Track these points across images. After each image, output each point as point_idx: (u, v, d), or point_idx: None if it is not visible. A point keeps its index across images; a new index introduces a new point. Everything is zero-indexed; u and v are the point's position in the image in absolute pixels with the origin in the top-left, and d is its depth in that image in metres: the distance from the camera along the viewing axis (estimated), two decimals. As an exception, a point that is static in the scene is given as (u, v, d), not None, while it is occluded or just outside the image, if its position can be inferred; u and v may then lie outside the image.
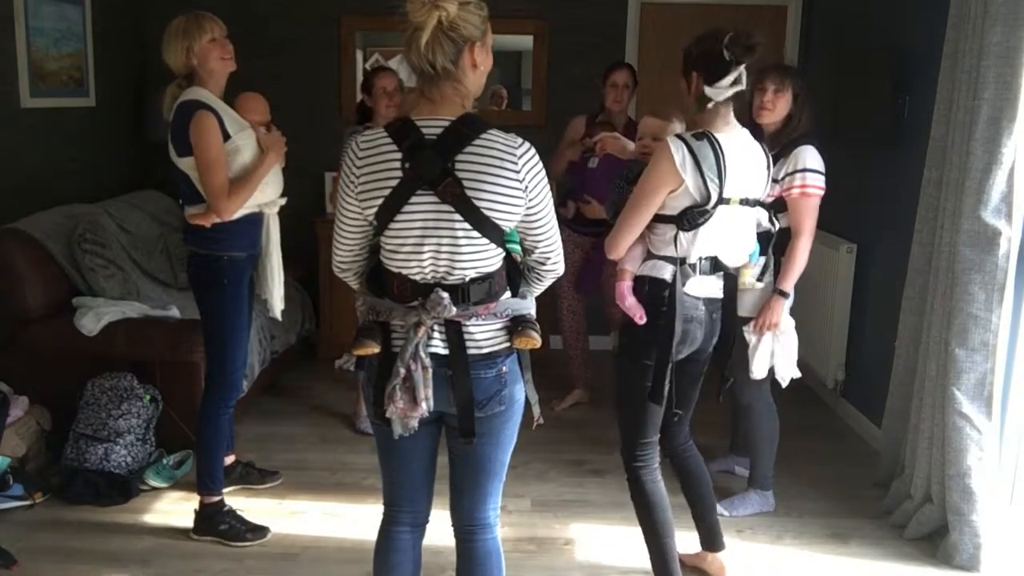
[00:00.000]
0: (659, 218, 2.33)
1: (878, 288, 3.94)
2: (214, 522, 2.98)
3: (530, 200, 1.83)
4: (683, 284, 2.33)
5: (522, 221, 1.86)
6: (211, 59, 2.75)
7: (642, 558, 2.88)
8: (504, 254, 1.90)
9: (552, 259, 1.97)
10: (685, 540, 2.81)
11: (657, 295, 2.36)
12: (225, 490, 3.08)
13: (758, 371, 2.97)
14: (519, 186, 1.79)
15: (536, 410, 2.04)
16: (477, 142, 1.77)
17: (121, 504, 3.20)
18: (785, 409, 3.30)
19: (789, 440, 3.35)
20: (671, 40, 4.95)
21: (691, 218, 2.28)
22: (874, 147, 3.95)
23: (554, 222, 1.92)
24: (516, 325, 1.91)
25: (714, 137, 2.26)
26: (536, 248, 1.94)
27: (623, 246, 2.38)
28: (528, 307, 1.95)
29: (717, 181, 2.23)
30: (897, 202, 3.69)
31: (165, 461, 3.44)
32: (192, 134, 2.68)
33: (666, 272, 2.35)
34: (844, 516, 3.27)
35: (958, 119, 2.93)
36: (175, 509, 3.18)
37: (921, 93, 3.51)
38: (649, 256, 2.41)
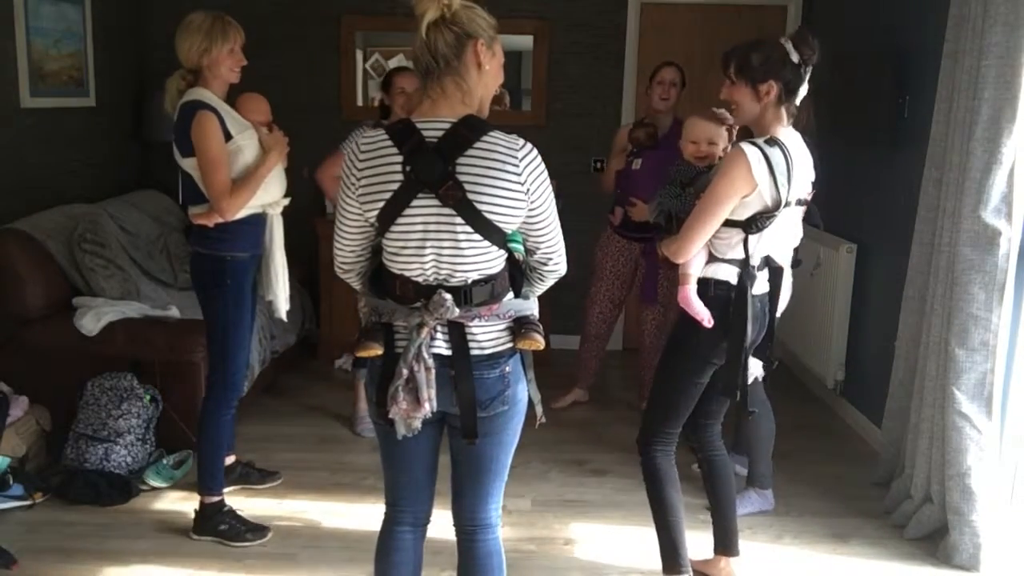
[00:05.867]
0: (726, 223, 2.34)
1: (878, 288, 3.94)
2: (214, 522, 2.97)
3: (532, 202, 1.82)
4: (751, 287, 2.37)
5: (524, 222, 1.86)
6: (222, 67, 2.76)
7: (642, 558, 2.89)
8: (506, 255, 1.90)
9: (554, 260, 1.96)
10: (696, 545, 2.82)
11: (723, 296, 2.39)
12: (225, 490, 3.08)
13: None
14: (521, 188, 1.79)
15: (539, 409, 2.04)
16: (478, 144, 1.77)
17: (121, 504, 3.19)
18: (784, 409, 3.30)
19: (789, 440, 3.36)
20: (671, 40, 4.98)
21: (760, 223, 2.30)
22: (874, 147, 3.95)
23: (556, 223, 1.92)
24: (519, 327, 1.91)
25: (783, 144, 2.29)
26: (538, 249, 1.93)
27: (691, 251, 2.38)
28: (531, 308, 1.95)
29: (787, 187, 2.27)
30: (897, 202, 3.69)
31: (165, 461, 3.43)
32: (193, 134, 2.69)
33: (731, 275, 2.38)
34: (844, 516, 3.27)
35: (958, 119, 2.93)
36: (175, 509, 3.18)
37: (921, 93, 3.51)
38: (711, 259, 2.42)
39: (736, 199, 2.28)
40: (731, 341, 2.40)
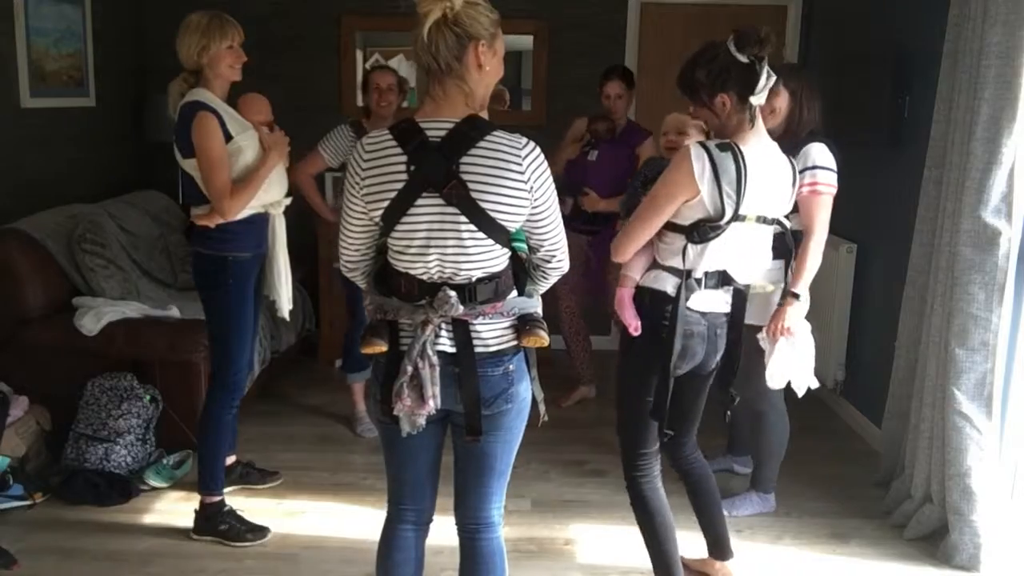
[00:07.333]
0: (670, 226, 2.26)
1: (878, 288, 3.94)
2: (214, 522, 2.97)
3: (535, 200, 1.83)
4: (687, 299, 2.26)
5: (527, 220, 1.86)
6: (222, 65, 2.77)
7: (642, 558, 2.88)
8: (510, 253, 1.90)
9: (557, 257, 1.97)
10: (691, 543, 2.81)
11: (658, 308, 2.30)
12: (225, 490, 3.08)
13: (775, 381, 2.80)
14: (524, 187, 1.79)
15: (542, 408, 2.04)
16: (482, 143, 1.77)
17: (121, 504, 3.19)
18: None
19: (789, 440, 3.35)
20: (671, 40, 4.98)
21: (702, 232, 2.20)
22: (874, 147, 3.95)
23: (559, 220, 1.93)
24: (524, 324, 1.92)
25: (739, 150, 2.18)
26: (541, 246, 1.94)
27: (631, 251, 2.31)
28: (535, 305, 1.95)
29: (734, 197, 2.16)
30: (897, 202, 3.69)
31: (165, 461, 3.43)
32: (194, 135, 2.70)
33: (668, 285, 2.29)
34: (844, 516, 3.28)
35: (958, 119, 2.94)
36: (175, 509, 3.18)
37: (921, 93, 3.51)
38: (654, 265, 2.34)
39: (678, 201, 2.19)
40: (661, 356, 2.27)
